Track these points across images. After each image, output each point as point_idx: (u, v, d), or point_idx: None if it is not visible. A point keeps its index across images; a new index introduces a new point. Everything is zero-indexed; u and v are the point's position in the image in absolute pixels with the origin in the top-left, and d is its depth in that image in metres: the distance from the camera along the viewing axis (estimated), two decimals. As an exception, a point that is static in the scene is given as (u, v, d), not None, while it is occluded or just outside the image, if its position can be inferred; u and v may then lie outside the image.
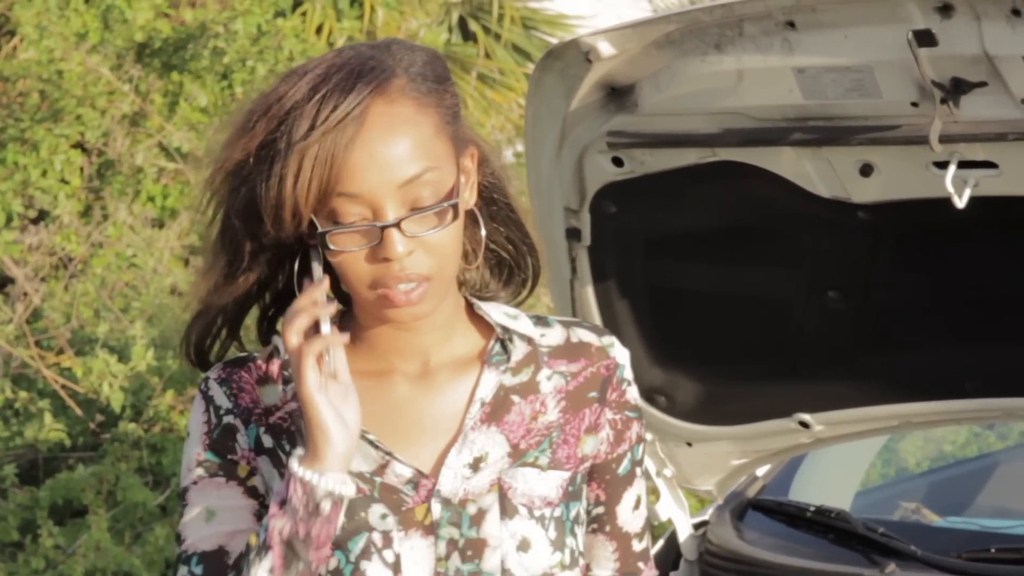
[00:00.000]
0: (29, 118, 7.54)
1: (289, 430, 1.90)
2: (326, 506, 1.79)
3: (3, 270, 7.21)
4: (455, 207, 1.81)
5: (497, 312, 1.95)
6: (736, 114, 2.85)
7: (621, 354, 1.99)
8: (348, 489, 1.80)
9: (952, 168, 2.72)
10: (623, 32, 2.80)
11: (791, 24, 2.69)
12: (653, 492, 3.49)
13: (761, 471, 3.71)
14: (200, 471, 1.89)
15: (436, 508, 1.88)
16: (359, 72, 1.80)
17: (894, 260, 3.03)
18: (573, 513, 1.93)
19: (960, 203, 2.72)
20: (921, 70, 2.61)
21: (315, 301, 1.81)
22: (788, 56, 2.72)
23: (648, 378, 3.28)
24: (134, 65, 8.00)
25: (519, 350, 1.94)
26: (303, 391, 1.78)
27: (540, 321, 1.98)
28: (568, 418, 1.94)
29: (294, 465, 1.79)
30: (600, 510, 2.01)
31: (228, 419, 1.90)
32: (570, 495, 1.93)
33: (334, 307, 1.83)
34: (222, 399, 1.91)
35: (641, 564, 2.05)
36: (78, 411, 6.23)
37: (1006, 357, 3.03)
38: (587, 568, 2.04)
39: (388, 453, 1.88)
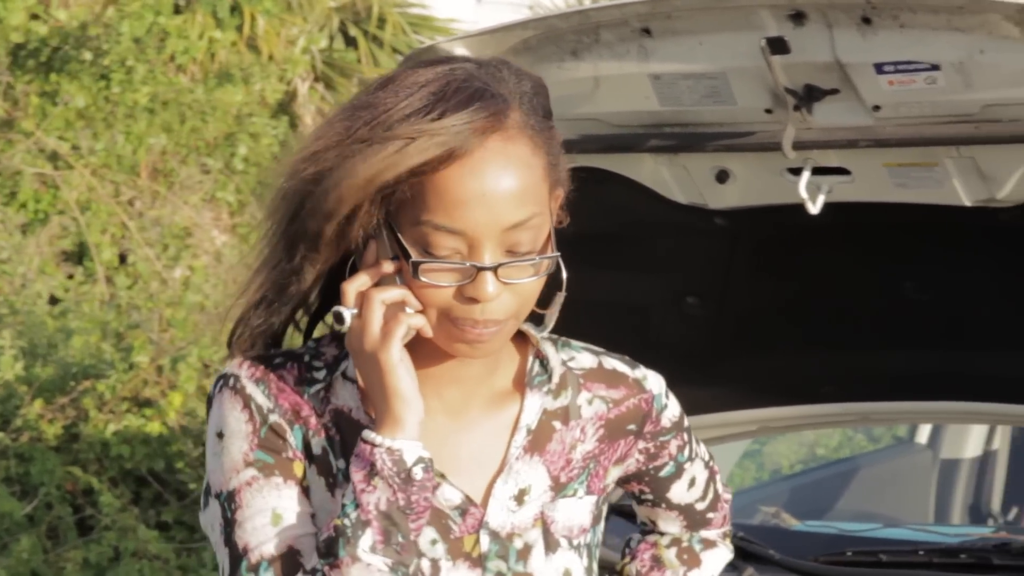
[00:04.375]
0: None
1: (333, 437, 1.82)
2: (418, 472, 1.73)
3: None
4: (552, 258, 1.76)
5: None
6: (594, 120, 2.86)
7: (656, 384, 1.96)
8: (428, 453, 1.75)
9: (806, 174, 2.74)
10: (480, 38, 2.79)
11: (647, 31, 2.70)
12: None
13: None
14: (252, 471, 1.79)
15: (485, 540, 1.84)
16: (479, 95, 1.72)
17: (751, 266, 3.06)
18: (597, 537, 1.94)
19: (814, 209, 2.75)
20: (774, 77, 2.63)
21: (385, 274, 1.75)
22: (644, 63, 2.73)
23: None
24: (7, 69, 7.88)
25: (556, 371, 1.89)
26: (388, 360, 1.72)
27: (563, 345, 1.93)
28: (603, 448, 1.92)
29: (375, 436, 1.73)
30: (649, 497, 2.05)
31: (274, 418, 1.81)
32: (595, 518, 1.93)
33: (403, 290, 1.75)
34: (262, 398, 1.81)
35: (711, 515, 2.09)
36: (-56, 420, 6.12)
37: (861, 361, 3.07)
38: (655, 525, 2.10)
39: (440, 475, 1.82)
